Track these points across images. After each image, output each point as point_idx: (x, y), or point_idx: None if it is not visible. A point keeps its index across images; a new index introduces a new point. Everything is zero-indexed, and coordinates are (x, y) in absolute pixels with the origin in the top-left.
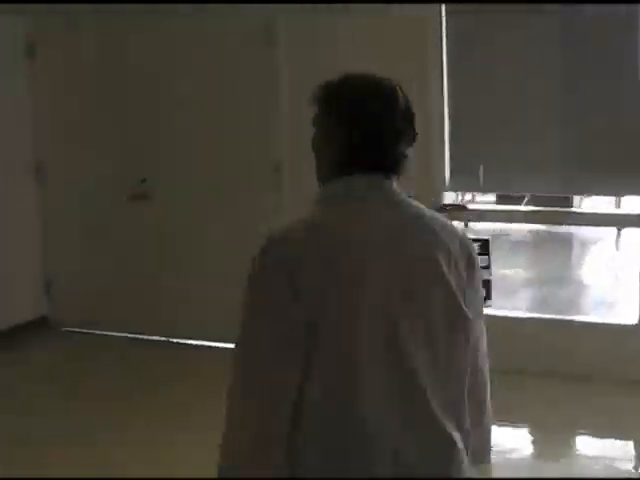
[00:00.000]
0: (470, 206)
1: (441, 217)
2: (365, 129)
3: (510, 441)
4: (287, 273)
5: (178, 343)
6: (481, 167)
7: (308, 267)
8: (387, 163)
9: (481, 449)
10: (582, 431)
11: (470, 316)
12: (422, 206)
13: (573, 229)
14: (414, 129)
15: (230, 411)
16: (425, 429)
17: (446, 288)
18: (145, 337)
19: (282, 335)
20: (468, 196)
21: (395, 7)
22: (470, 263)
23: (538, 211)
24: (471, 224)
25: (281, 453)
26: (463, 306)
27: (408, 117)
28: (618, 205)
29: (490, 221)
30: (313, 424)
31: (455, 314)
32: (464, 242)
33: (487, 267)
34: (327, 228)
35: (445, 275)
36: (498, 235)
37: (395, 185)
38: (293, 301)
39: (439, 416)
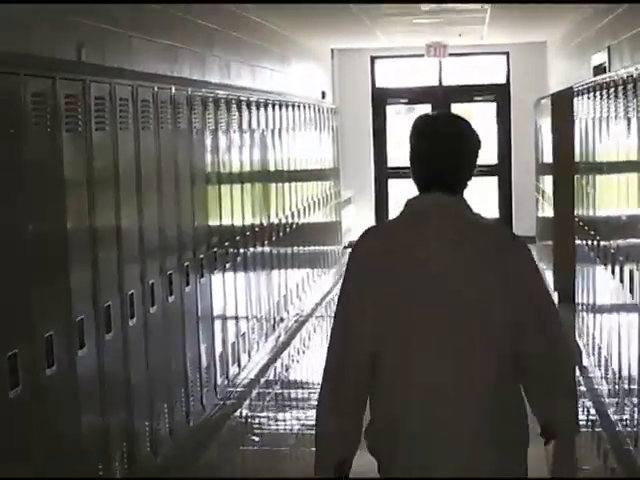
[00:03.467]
0: None
1: (502, 228)
2: (433, 160)
3: None
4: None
5: None
6: None
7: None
8: (454, 184)
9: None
10: None
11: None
12: (486, 219)
13: None
14: (477, 157)
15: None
16: None
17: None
18: None
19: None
20: None
21: None
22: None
23: None
24: None
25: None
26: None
27: (474, 152)
28: None
29: None
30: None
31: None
32: (520, 253)
33: None
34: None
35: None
36: None
37: (462, 202)
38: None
39: None
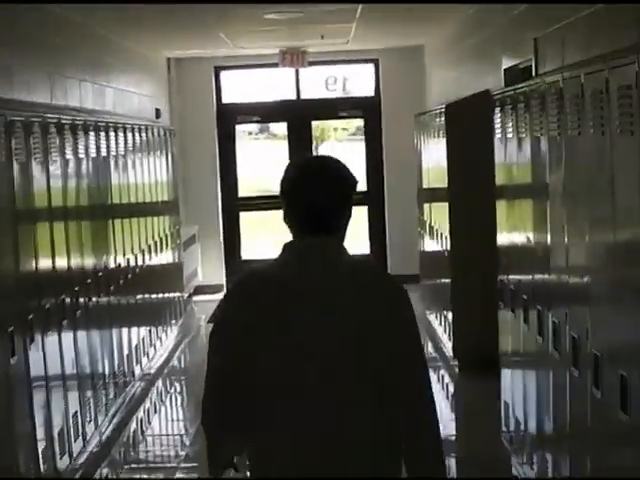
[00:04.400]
0: None
1: (381, 275)
2: (304, 205)
3: None
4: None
5: None
6: None
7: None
8: (333, 228)
9: None
10: None
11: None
12: (365, 263)
13: None
14: (351, 198)
15: None
16: None
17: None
18: None
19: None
20: None
21: None
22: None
23: None
24: None
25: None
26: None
27: (346, 191)
28: None
29: None
30: None
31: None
32: (388, 290)
33: None
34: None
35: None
36: None
37: (335, 244)
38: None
39: None
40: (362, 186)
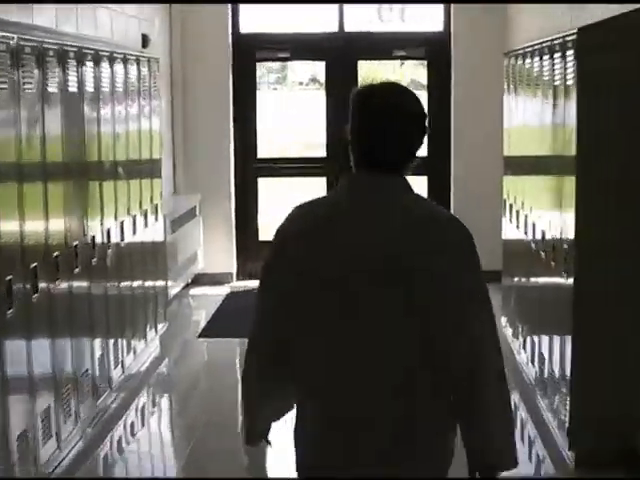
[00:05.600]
0: None
1: (440, 211)
2: (369, 127)
3: None
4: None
5: None
6: None
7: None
8: (395, 164)
9: None
10: None
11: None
12: (427, 206)
13: None
14: (423, 131)
15: None
16: None
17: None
18: None
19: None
20: None
21: None
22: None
23: None
24: None
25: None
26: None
27: (419, 127)
28: None
29: None
30: None
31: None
32: (454, 234)
33: None
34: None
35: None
36: None
37: (397, 183)
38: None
39: None
40: (422, 151)
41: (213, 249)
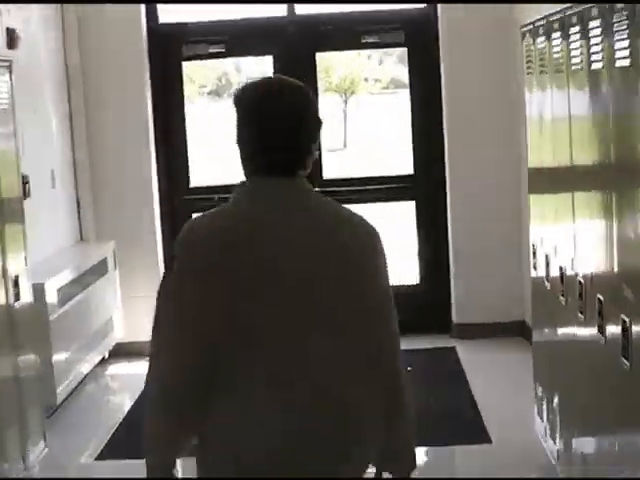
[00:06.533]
0: None
1: (343, 210)
2: (263, 127)
3: None
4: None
5: None
6: None
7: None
8: (292, 166)
9: None
10: None
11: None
12: (327, 201)
13: None
14: (317, 129)
15: None
16: None
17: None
18: None
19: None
20: None
21: None
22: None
23: None
24: None
25: None
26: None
27: (314, 123)
28: None
29: None
30: None
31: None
32: (362, 233)
33: None
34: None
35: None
36: None
37: (297, 183)
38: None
39: None
40: (407, 167)
41: (135, 311)
